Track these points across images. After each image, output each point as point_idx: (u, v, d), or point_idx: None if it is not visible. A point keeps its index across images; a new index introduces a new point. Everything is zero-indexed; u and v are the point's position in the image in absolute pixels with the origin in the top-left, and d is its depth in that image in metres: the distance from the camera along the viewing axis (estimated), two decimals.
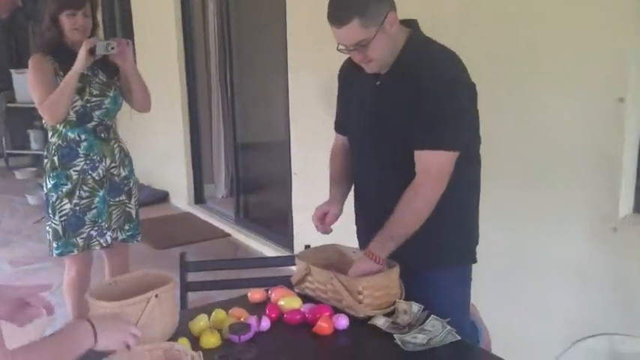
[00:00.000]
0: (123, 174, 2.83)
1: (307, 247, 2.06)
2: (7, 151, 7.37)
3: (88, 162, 2.71)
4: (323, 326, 1.61)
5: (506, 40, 2.45)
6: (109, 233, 2.78)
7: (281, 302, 1.73)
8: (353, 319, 1.65)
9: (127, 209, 2.86)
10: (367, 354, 1.60)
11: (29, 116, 6.25)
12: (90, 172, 2.72)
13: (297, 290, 1.83)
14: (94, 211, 2.74)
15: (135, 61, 2.82)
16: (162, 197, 5.93)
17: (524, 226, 2.45)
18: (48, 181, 2.73)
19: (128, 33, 6.07)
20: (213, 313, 1.66)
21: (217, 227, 5.09)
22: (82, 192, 2.71)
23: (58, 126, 2.69)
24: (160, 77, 5.14)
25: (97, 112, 2.71)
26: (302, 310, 1.70)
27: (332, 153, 2.04)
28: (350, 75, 1.88)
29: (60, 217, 2.70)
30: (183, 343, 1.42)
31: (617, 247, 2.15)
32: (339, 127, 2.01)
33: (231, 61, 4.92)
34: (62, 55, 2.64)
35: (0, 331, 1.05)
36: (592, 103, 2.17)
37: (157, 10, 5.62)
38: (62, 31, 2.65)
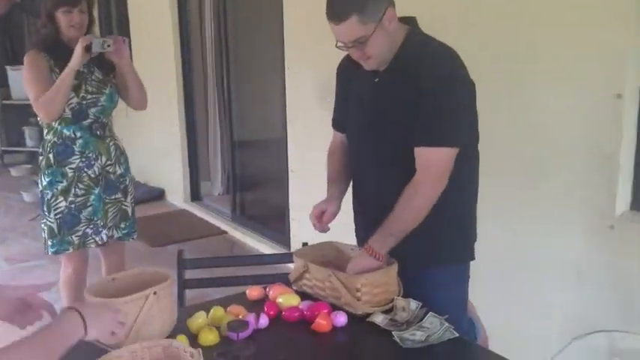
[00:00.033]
0: (118, 172, 2.82)
1: (305, 244, 2.06)
2: (3, 148, 7.37)
3: (83, 159, 2.70)
4: (321, 323, 1.61)
5: (505, 38, 2.45)
6: (104, 231, 2.77)
7: (279, 299, 1.73)
8: (351, 316, 1.65)
9: (123, 207, 2.85)
10: (366, 351, 1.60)
11: (24, 113, 6.24)
12: (85, 169, 2.71)
13: (295, 288, 1.82)
14: (90, 208, 2.73)
15: (131, 58, 2.81)
16: (159, 195, 5.93)
17: (522, 224, 2.45)
18: (43, 179, 2.71)
19: (124, 29, 6.05)
20: (212, 311, 1.65)
21: (214, 225, 5.08)
22: (77, 190, 2.70)
23: (53, 123, 2.68)
24: (157, 74, 5.13)
25: (93, 110, 2.70)
26: (300, 307, 1.70)
27: (329, 151, 2.03)
28: (348, 72, 1.87)
29: (55, 214, 2.69)
30: (182, 341, 1.41)
31: (614, 244, 2.16)
32: (337, 124, 2.00)
33: (227, 57, 4.92)
34: (58, 52, 2.63)
35: None
36: (590, 100, 2.18)
37: (153, 7, 5.60)
38: (58, 27, 2.64)
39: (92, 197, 2.73)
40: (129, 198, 2.87)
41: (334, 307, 1.68)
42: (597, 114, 2.16)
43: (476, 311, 2.04)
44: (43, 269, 3.96)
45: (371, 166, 1.84)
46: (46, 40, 2.66)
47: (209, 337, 1.55)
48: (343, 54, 1.83)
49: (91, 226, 2.74)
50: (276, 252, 4.03)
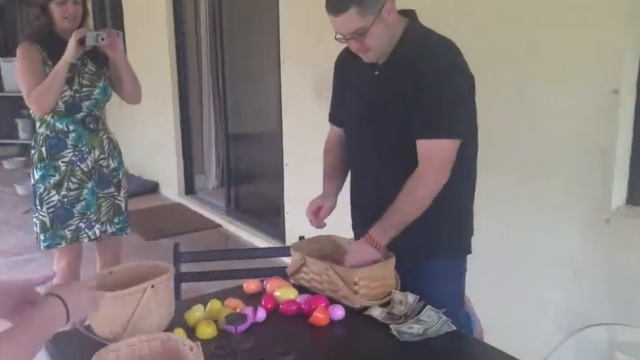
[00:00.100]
0: (112, 165, 2.80)
1: (301, 238, 2.06)
2: None
3: (76, 153, 2.68)
4: (319, 317, 1.61)
5: (503, 32, 2.45)
6: (97, 226, 2.74)
7: (277, 293, 1.73)
8: (349, 309, 1.65)
9: (117, 202, 2.83)
10: (363, 344, 1.60)
11: (17, 105, 6.20)
12: (78, 163, 2.68)
13: (292, 281, 1.82)
14: (83, 202, 2.70)
15: (125, 51, 2.78)
16: (152, 188, 5.91)
17: (518, 217, 2.46)
18: (35, 173, 2.68)
19: (118, 22, 6.02)
20: (209, 304, 1.65)
21: (208, 218, 5.07)
22: (70, 183, 2.68)
23: (46, 116, 2.65)
24: (151, 68, 5.10)
25: (86, 103, 2.67)
26: (298, 300, 1.69)
27: (326, 146, 2.02)
28: (347, 64, 1.87)
29: (47, 208, 2.67)
30: (179, 334, 1.41)
31: (609, 238, 2.17)
32: (334, 118, 1.99)
33: (222, 51, 4.90)
34: (51, 44, 2.60)
35: None
36: (587, 95, 2.18)
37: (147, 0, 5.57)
38: (52, 19, 2.61)
39: (85, 191, 2.70)
40: (122, 192, 2.85)
41: (332, 301, 1.68)
42: (593, 109, 2.17)
43: (472, 305, 2.05)
44: (37, 263, 3.93)
45: (370, 159, 1.84)
46: (40, 32, 2.63)
47: (207, 331, 1.54)
48: (340, 46, 1.82)
49: (84, 220, 2.71)
50: (270, 245, 4.03)
